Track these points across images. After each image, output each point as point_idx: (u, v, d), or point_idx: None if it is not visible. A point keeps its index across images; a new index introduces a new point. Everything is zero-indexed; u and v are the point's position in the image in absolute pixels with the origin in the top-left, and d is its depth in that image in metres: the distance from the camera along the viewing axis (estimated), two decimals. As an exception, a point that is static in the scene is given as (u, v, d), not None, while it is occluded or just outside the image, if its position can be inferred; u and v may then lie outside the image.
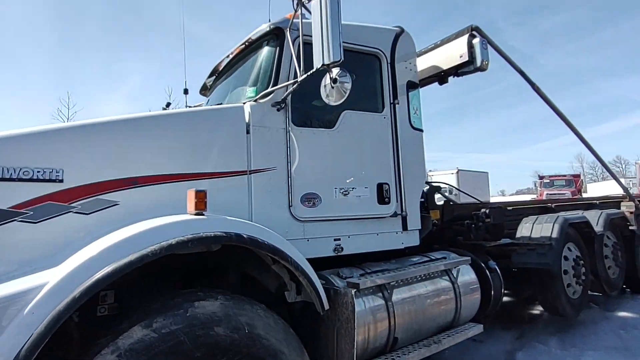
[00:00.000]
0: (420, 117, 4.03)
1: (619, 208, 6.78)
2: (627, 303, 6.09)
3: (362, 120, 3.44)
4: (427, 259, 3.74)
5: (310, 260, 2.97)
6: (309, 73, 2.64)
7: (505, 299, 6.44)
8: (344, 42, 3.39)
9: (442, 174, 32.37)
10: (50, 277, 1.87)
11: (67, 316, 1.75)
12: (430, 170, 37.71)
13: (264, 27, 3.33)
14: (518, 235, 4.99)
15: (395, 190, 3.52)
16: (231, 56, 3.79)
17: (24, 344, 1.66)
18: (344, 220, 3.25)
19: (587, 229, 5.41)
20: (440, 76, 4.28)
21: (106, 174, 2.45)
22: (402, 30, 3.87)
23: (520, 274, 4.83)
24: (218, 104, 3.51)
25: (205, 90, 4.53)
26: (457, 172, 30.79)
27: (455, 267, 3.58)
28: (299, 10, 2.81)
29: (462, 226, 4.35)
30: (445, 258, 3.68)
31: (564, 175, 26.14)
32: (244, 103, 3.05)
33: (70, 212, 2.29)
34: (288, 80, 3.05)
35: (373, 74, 3.65)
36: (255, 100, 3.04)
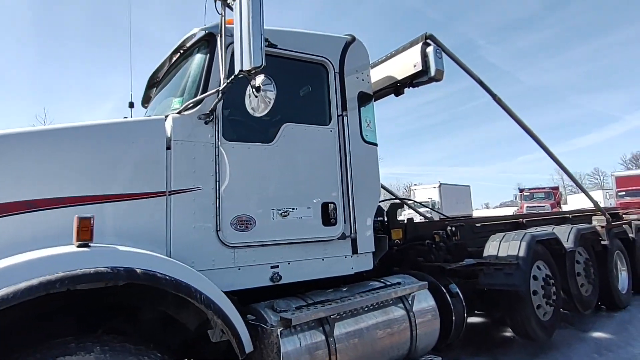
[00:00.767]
0: (375, 130, 3.77)
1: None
2: (602, 322, 5.86)
3: (305, 134, 3.15)
4: (383, 284, 3.42)
5: (245, 292, 2.63)
6: (229, 81, 2.35)
7: (477, 320, 6.20)
8: (287, 50, 3.21)
9: (425, 188, 32.58)
10: None
11: None
12: (414, 184, 38.07)
13: (195, 32, 3.04)
14: (485, 254, 4.73)
15: (344, 210, 3.22)
16: (167, 64, 3.48)
17: None
18: (283, 245, 2.92)
19: (557, 246, 5.19)
20: (396, 87, 4.06)
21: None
22: (354, 39, 3.63)
23: (490, 295, 4.55)
24: None
25: (147, 102, 4.21)
26: (439, 186, 30.94)
27: (410, 294, 3.27)
28: (224, 12, 2.54)
29: (424, 246, 4.06)
30: (400, 283, 3.37)
31: (543, 188, 26.44)
32: (166, 116, 2.73)
33: None
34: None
35: (319, 84, 3.38)
36: (179, 112, 2.72)
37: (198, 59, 2.99)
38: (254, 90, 2.28)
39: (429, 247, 3.99)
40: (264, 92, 2.26)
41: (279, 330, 2.23)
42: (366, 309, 3.00)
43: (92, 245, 1.93)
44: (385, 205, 4.59)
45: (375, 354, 2.93)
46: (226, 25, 2.64)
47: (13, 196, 2.16)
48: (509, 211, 29.90)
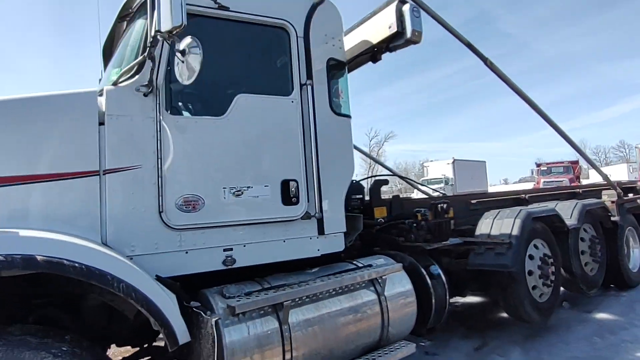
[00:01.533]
0: (348, 101, 3.47)
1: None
2: (608, 302, 5.51)
3: (262, 105, 2.87)
4: (355, 266, 3.19)
5: (207, 276, 2.47)
6: (149, 45, 2.09)
7: (475, 300, 5.95)
8: (241, 12, 2.91)
9: (438, 165, 31.85)
10: None
11: None
12: (430, 160, 37.28)
13: None
14: (477, 232, 4.43)
15: (307, 188, 2.96)
16: (116, 32, 3.22)
17: None
18: (237, 226, 2.71)
19: (559, 223, 4.83)
20: (373, 53, 3.69)
21: None
22: (322, 0, 3.28)
23: (481, 275, 4.28)
24: None
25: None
26: (453, 162, 30.18)
27: (381, 276, 3.03)
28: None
29: (405, 225, 3.79)
30: (371, 265, 3.13)
31: (562, 162, 25.34)
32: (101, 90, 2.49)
33: None
34: (161, 59, 2.50)
35: (279, 50, 3.07)
36: (114, 84, 2.49)
37: (138, 24, 2.72)
38: (179, 54, 2.02)
39: (409, 226, 3.71)
40: (190, 56, 1.99)
41: (213, 319, 2.04)
42: (330, 293, 2.79)
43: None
44: (369, 183, 4.32)
45: (339, 342, 2.73)
46: None
47: None
48: (527, 187, 29.00)
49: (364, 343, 2.90)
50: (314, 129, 3.03)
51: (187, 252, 2.54)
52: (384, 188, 4.41)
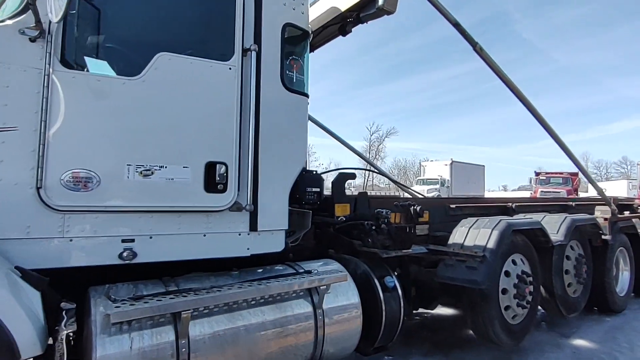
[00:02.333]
0: (306, 77, 2.96)
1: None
2: (589, 327, 5.08)
3: (190, 69, 2.36)
4: (294, 271, 2.72)
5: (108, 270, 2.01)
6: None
7: (448, 312, 5.50)
8: None
9: (435, 165, 31.32)
10: None
11: None
12: (429, 160, 36.68)
13: None
14: (450, 241, 3.97)
15: (239, 174, 2.47)
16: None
17: None
18: (143, 213, 2.22)
19: (542, 238, 4.36)
20: (342, 23, 3.17)
21: None
22: None
23: (452, 288, 3.82)
24: None
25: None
26: (451, 164, 29.63)
27: (320, 286, 2.56)
28: None
29: (364, 227, 3.31)
30: (311, 272, 2.66)
31: (561, 173, 24.82)
32: (-24, 26, 1.98)
33: None
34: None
35: (220, 6, 2.55)
36: (-7, 23, 1.98)
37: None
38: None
39: (368, 229, 3.24)
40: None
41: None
42: (254, 302, 2.31)
43: None
44: (331, 176, 3.83)
45: (254, 361, 2.27)
46: None
47: None
48: (525, 195, 28.55)
49: (289, 363, 2.44)
50: (255, 104, 2.53)
51: (71, 240, 2.06)
52: (381, 185, 3.93)
